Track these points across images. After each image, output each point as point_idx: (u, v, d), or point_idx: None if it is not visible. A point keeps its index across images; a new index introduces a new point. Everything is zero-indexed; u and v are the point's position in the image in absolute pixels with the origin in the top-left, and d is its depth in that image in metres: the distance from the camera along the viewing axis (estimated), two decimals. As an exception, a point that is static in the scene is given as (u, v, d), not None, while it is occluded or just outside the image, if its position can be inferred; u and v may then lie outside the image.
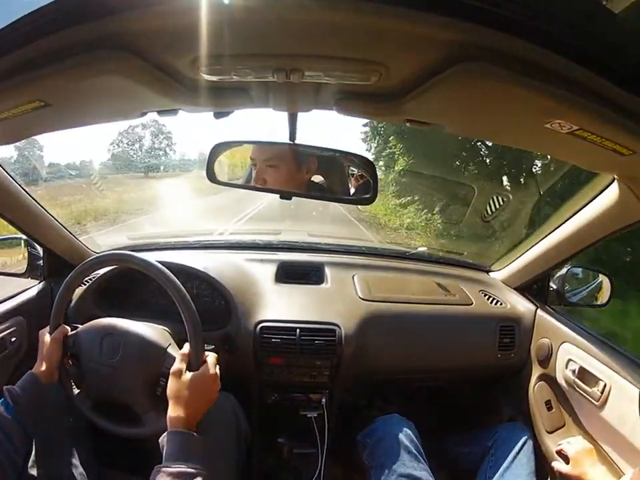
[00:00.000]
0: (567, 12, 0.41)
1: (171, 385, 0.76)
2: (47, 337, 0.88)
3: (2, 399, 0.79)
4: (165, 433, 0.70)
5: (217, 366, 0.80)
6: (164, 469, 0.65)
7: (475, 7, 0.40)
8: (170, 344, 0.88)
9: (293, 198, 0.88)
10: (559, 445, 1.06)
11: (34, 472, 0.86)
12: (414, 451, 1.00)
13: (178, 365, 0.77)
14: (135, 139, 25.50)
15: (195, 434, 0.70)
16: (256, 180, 0.90)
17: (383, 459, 1.00)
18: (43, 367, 0.85)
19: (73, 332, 0.90)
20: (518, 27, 0.42)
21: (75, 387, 0.90)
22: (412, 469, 0.96)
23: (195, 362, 0.78)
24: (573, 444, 1.01)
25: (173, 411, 0.73)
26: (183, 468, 0.65)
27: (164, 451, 0.68)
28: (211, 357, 0.80)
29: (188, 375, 0.76)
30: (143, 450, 0.81)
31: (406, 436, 1.02)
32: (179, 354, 0.80)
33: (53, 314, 0.90)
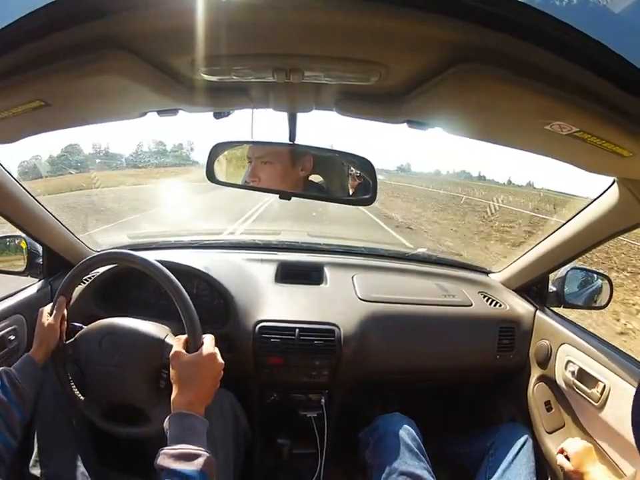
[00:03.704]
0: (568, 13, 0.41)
1: (173, 369, 0.75)
2: (45, 318, 0.88)
3: None
4: (168, 417, 0.69)
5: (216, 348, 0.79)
6: (166, 450, 0.64)
7: (475, 7, 0.40)
8: (167, 334, 0.88)
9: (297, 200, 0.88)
10: (561, 446, 1.06)
11: (35, 471, 0.86)
12: (415, 449, 1.00)
13: (176, 348, 0.77)
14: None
15: (198, 415, 0.69)
16: (250, 176, 0.90)
17: (385, 457, 1.00)
18: (40, 350, 0.86)
19: (71, 340, 0.90)
20: (518, 28, 0.42)
21: (80, 394, 0.89)
22: (413, 467, 0.96)
23: (192, 343, 0.78)
24: (573, 443, 1.02)
25: (177, 394, 0.72)
26: (184, 449, 0.64)
27: (167, 434, 0.67)
28: (208, 338, 0.80)
29: (188, 357, 0.75)
30: (145, 451, 0.80)
31: (408, 434, 1.02)
32: (176, 339, 0.80)
33: (55, 298, 0.90)
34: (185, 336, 0.79)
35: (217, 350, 0.78)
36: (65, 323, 0.91)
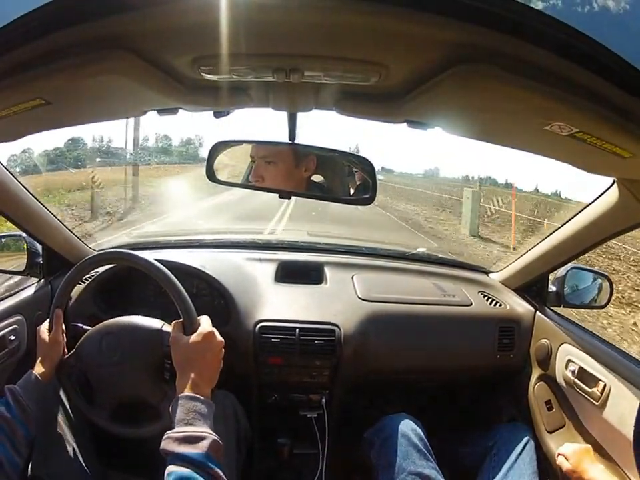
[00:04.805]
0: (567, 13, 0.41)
1: (174, 354, 0.76)
2: (45, 335, 0.88)
3: (3, 399, 0.79)
4: (172, 401, 0.69)
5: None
6: (170, 434, 0.64)
7: (475, 7, 0.40)
8: (163, 324, 0.88)
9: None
10: (558, 451, 1.06)
11: (35, 471, 0.86)
12: (423, 449, 1.00)
13: (174, 333, 0.77)
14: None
15: (202, 397, 0.69)
16: (253, 176, 0.90)
17: (392, 457, 0.99)
18: (43, 366, 0.85)
19: (72, 352, 0.89)
20: (518, 29, 0.42)
21: (87, 402, 0.89)
22: (421, 467, 0.96)
23: (189, 325, 0.78)
24: (570, 445, 1.02)
25: (180, 378, 0.72)
26: (189, 432, 0.63)
27: (173, 419, 0.67)
28: (204, 318, 0.80)
29: (186, 338, 0.75)
30: (146, 449, 0.80)
31: (415, 434, 1.02)
32: (172, 325, 0.80)
33: (52, 312, 0.90)
34: (181, 320, 0.79)
35: (214, 329, 0.78)
36: (65, 335, 0.90)
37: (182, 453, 0.61)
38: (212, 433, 0.65)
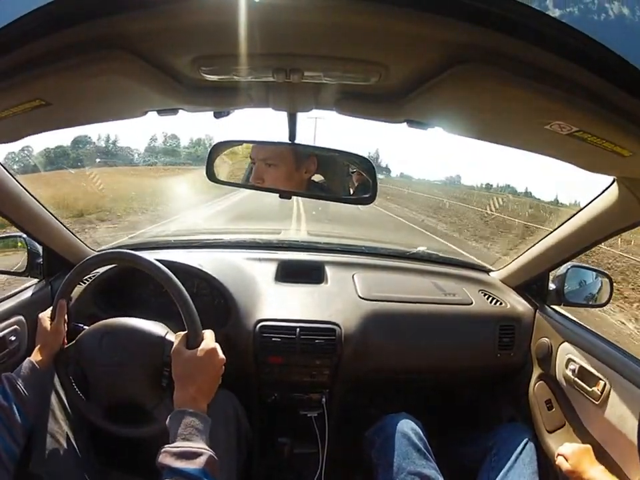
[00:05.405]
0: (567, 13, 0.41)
1: (174, 366, 0.76)
2: (46, 323, 0.88)
3: (0, 387, 0.79)
4: (170, 415, 0.69)
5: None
6: (168, 448, 0.64)
7: (475, 7, 0.40)
8: (167, 332, 0.88)
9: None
10: (557, 451, 1.06)
11: (35, 470, 0.86)
12: (423, 449, 1.00)
13: (177, 345, 0.77)
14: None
15: (200, 413, 0.69)
16: (254, 178, 0.90)
17: (392, 457, 1.00)
18: (41, 354, 0.85)
19: (72, 342, 0.90)
20: (518, 29, 0.42)
21: (82, 396, 0.89)
22: (421, 467, 0.96)
23: (193, 339, 0.78)
24: (570, 445, 1.02)
25: (179, 391, 0.72)
26: (186, 448, 0.64)
27: (170, 432, 0.67)
28: (208, 333, 0.80)
29: (189, 352, 0.75)
30: (145, 450, 0.81)
31: (415, 434, 1.03)
32: (176, 336, 0.80)
33: (55, 303, 0.90)
34: (185, 332, 0.79)
35: (217, 345, 0.78)
36: (66, 325, 0.91)
37: (179, 468, 0.62)
38: (208, 449, 0.65)
